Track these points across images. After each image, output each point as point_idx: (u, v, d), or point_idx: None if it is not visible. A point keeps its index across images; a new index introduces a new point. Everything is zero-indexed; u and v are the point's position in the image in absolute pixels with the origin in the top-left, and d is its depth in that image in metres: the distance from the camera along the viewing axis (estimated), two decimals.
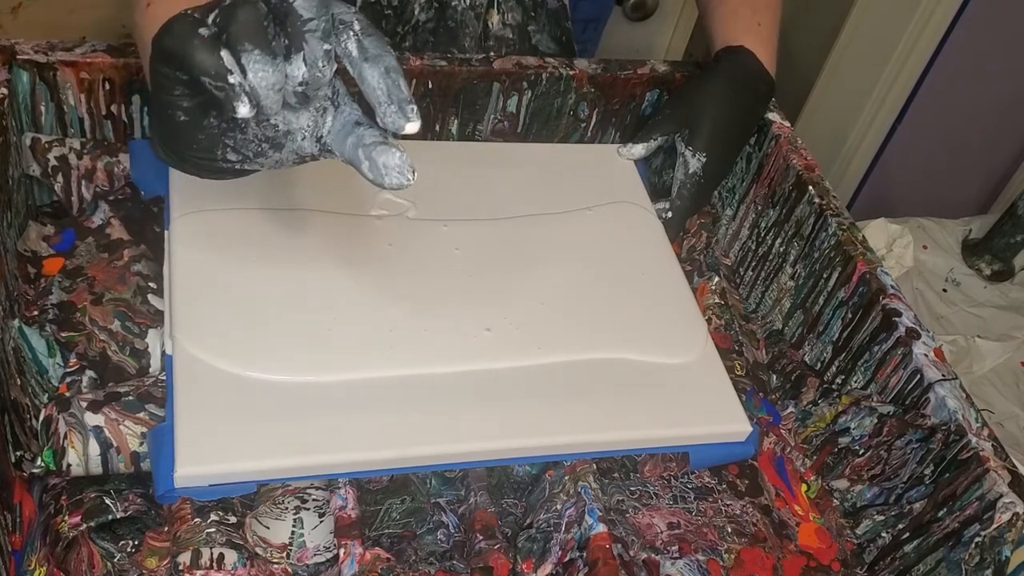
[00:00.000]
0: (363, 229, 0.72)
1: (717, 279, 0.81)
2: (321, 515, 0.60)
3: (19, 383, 0.61)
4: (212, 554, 0.56)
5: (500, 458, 0.63)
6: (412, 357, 0.64)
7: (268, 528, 0.59)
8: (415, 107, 0.49)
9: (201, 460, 0.55)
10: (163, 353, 0.63)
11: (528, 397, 0.64)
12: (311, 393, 0.60)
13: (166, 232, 0.68)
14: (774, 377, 0.79)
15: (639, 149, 0.83)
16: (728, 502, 0.68)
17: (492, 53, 0.89)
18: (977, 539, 0.60)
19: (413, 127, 0.49)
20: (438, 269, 0.70)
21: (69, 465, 0.57)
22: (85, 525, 0.57)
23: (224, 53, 0.47)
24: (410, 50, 0.87)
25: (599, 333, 0.69)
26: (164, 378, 0.62)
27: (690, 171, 0.79)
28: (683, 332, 0.71)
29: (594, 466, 0.64)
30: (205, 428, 0.57)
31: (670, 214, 0.80)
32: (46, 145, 0.72)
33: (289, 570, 0.58)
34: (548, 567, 0.60)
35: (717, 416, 0.67)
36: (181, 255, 0.66)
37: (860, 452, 0.70)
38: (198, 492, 0.56)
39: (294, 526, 0.59)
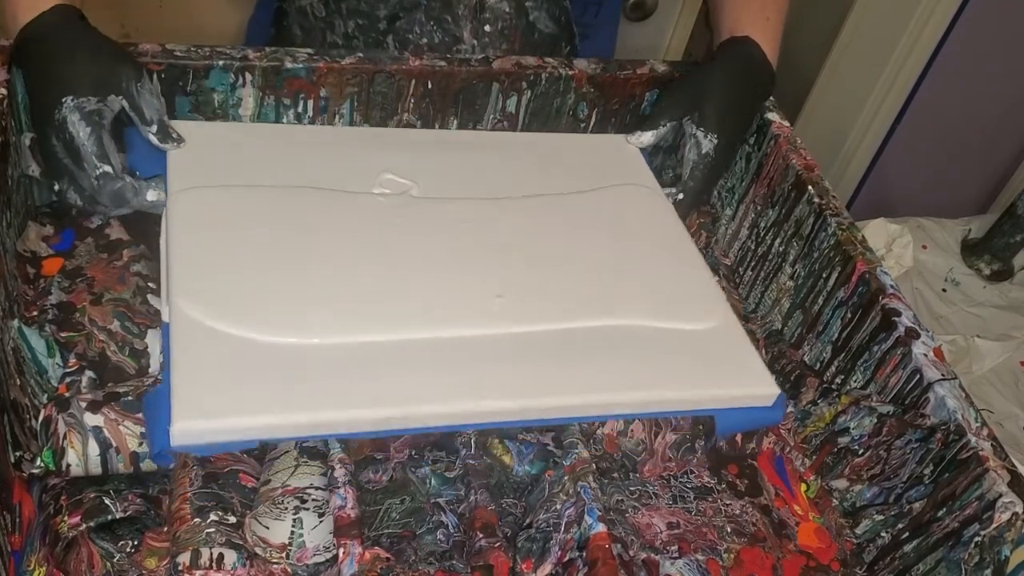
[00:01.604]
0: (365, 205, 0.71)
1: (717, 279, 0.80)
2: (320, 515, 0.60)
3: (19, 383, 0.61)
4: (212, 554, 0.56)
5: (516, 419, 0.61)
6: (417, 320, 0.63)
7: (267, 528, 0.59)
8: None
9: (197, 415, 0.55)
10: (164, 322, 0.62)
11: (547, 359, 0.62)
12: (316, 355, 0.59)
13: (164, 209, 0.67)
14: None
15: (648, 136, 0.83)
16: (728, 502, 0.68)
17: (488, 27, 0.88)
18: (977, 539, 0.60)
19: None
20: (447, 239, 0.69)
21: (68, 465, 0.57)
22: (85, 525, 0.57)
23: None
24: (396, 7, 0.86)
25: (619, 300, 0.68)
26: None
27: (703, 151, 0.79)
28: (703, 300, 0.71)
29: (593, 466, 0.64)
30: (201, 385, 0.56)
31: (681, 196, 0.80)
32: None
33: (289, 570, 0.58)
34: (548, 567, 0.60)
35: (743, 379, 0.66)
36: (179, 226, 0.65)
37: (859, 452, 0.69)
38: (195, 449, 0.56)
39: (293, 526, 0.59)
